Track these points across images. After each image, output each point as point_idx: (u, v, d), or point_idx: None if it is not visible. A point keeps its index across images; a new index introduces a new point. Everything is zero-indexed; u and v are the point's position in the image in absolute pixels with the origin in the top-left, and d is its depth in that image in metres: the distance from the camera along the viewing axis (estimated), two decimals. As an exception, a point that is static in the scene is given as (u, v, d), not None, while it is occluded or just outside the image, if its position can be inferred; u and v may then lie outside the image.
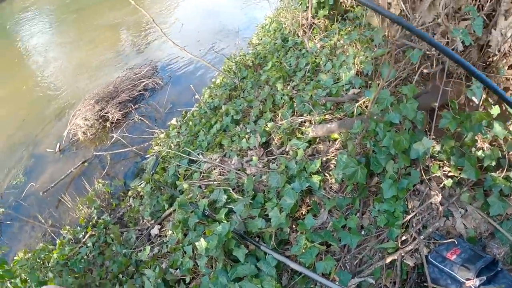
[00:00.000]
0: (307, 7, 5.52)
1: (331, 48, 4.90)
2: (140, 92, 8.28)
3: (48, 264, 4.27)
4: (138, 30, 11.98)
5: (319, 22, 5.57)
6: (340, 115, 3.77)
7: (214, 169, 4.17)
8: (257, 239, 3.00)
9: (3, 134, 9.13)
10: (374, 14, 3.86)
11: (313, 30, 5.54)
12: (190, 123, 5.92)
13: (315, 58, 4.92)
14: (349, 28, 5.12)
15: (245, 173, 3.81)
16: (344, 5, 5.41)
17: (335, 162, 3.27)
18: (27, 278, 3.71)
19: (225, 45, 8.72)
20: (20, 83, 11.78)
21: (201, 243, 2.85)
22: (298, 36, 5.83)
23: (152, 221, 4.34)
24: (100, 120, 7.75)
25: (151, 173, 5.16)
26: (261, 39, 7.25)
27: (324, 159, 3.38)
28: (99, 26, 13.20)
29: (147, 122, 7.25)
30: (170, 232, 3.83)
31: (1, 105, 10.69)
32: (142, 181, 5.13)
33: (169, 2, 13.37)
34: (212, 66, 6.20)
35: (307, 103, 4.11)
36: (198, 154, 4.59)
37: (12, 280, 3.68)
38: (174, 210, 4.03)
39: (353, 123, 3.15)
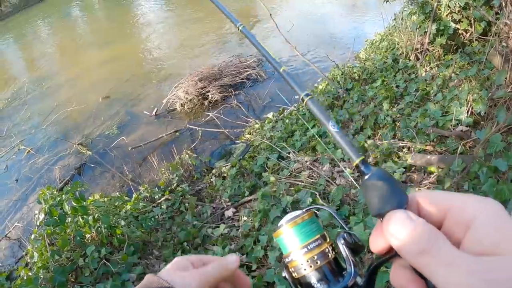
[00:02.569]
0: (424, 32, 5.21)
1: (444, 79, 4.57)
2: (243, 80, 8.33)
3: (120, 212, 4.35)
4: (246, 21, 12.16)
5: (434, 50, 5.26)
6: (441, 149, 3.57)
7: (304, 170, 4.09)
8: None
9: (107, 87, 9.74)
10: (497, 53, 3.55)
11: (426, 56, 5.21)
12: (287, 121, 5.86)
13: (426, 86, 4.63)
14: (463, 62, 4.76)
15: (335, 182, 3.71)
16: (463, 37, 5.03)
17: None
18: (99, 219, 3.79)
19: (331, 54, 8.53)
20: (130, 47, 12.57)
21: None
22: (410, 60, 5.54)
23: (229, 203, 4.31)
24: (199, 97, 7.90)
25: (239, 158, 5.14)
26: (370, 55, 7.05)
27: (417, 189, 3.17)
28: (210, 11, 13.62)
29: (243, 109, 7.26)
30: (245, 218, 3.80)
31: (111, 62, 11.44)
32: (228, 164, 5.14)
33: (281, 1, 13.47)
34: (319, 71, 6.05)
35: (411, 129, 3.88)
36: (289, 153, 4.51)
37: (85, 217, 3.77)
38: (254, 199, 4.03)
39: (454, 161, 3.00)
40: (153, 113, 7.99)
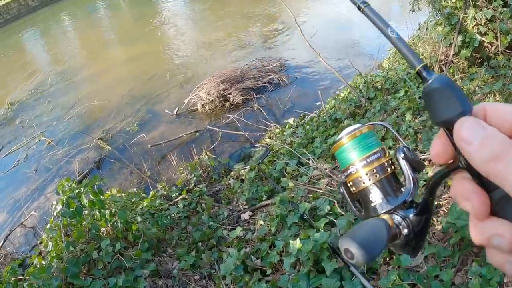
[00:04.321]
0: (450, 44, 5.10)
1: (468, 92, 4.47)
2: (265, 84, 8.30)
3: (136, 209, 4.35)
4: (270, 26, 12.17)
5: (458, 62, 5.15)
6: None
7: (323, 178, 4.04)
8: None
9: (130, 84, 9.83)
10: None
11: (450, 68, 5.11)
12: (308, 127, 5.81)
13: None
14: (487, 76, 4.65)
15: None
16: (488, 50, 4.92)
17: (445, 210, 2.98)
18: (116, 214, 3.78)
19: (353, 62, 8.46)
20: (154, 46, 12.70)
21: (296, 243, 2.79)
22: (434, 71, 5.42)
23: (246, 206, 4.27)
24: (221, 99, 7.90)
25: (258, 162, 5.11)
26: (393, 65, 6.97)
27: (436, 203, 3.09)
28: (235, 14, 13.71)
29: (264, 113, 7.23)
30: (261, 222, 3.75)
31: (135, 60, 11.56)
32: (247, 167, 5.12)
33: (305, 7, 13.41)
34: (342, 78, 5.98)
35: (434, 142, 3.78)
36: (308, 159, 4.45)
37: (102, 210, 3.77)
38: (271, 204, 3.98)
39: None
40: (174, 112, 8.02)
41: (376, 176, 0.55)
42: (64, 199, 3.64)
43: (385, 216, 0.53)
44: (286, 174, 4.44)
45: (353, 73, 6.82)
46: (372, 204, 0.55)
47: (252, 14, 13.24)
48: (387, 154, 0.58)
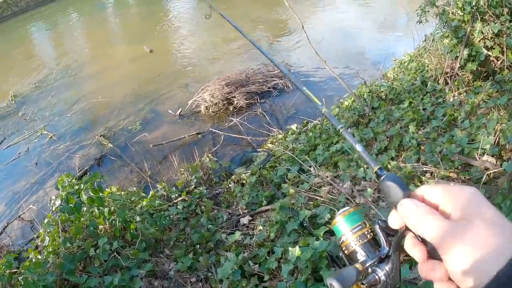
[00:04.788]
0: (456, 57, 5.10)
1: (473, 106, 4.46)
2: (269, 89, 8.30)
3: (135, 208, 4.33)
4: (277, 31, 12.23)
5: (464, 75, 5.16)
6: (465, 177, 3.49)
7: (324, 186, 4.06)
8: None
9: (134, 83, 9.85)
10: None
11: (455, 81, 5.11)
12: (311, 134, 5.81)
13: (454, 112, 4.52)
14: (492, 90, 4.64)
15: (354, 201, 3.65)
16: (494, 64, 4.92)
17: None
18: (115, 212, 3.77)
19: (358, 70, 8.47)
20: (160, 46, 12.72)
21: (295, 251, 2.79)
22: (439, 83, 5.44)
23: (246, 211, 4.26)
24: (224, 102, 7.90)
25: (260, 167, 5.10)
26: (398, 75, 6.97)
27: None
28: (243, 18, 13.69)
29: (268, 118, 7.22)
30: (260, 227, 3.74)
31: (140, 59, 11.58)
32: (248, 171, 5.12)
33: (313, 14, 13.45)
34: (347, 87, 5.97)
35: (436, 155, 3.79)
36: (310, 166, 4.45)
37: (100, 208, 3.75)
38: (271, 209, 3.97)
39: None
40: (178, 113, 8.02)
41: (360, 241, 0.76)
42: (63, 194, 3.62)
43: (357, 265, 0.74)
44: (287, 180, 4.45)
45: (358, 81, 6.81)
46: (360, 261, 0.75)
47: (260, 19, 13.28)
48: (368, 225, 0.79)
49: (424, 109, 4.92)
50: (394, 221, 0.65)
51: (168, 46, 12.79)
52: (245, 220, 4.08)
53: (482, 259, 0.51)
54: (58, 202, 3.65)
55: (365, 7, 14.05)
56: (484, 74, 5.05)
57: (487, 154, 3.67)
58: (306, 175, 4.33)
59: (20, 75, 12.14)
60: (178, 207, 4.49)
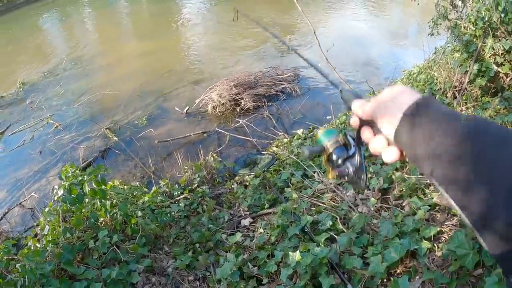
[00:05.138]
0: (466, 71, 5.08)
1: None
2: (277, 93, 8.29)
3: (137, 202, 4.32)
4: (288, 35, 12.23)
5: (472, 90, 5.14)
6: None
7: (327, 192, 4.03)
8: (345, 275, 2.83)
9: (142, 78, 9.86)
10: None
11: (464, 95, 5.08)
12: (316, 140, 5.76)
13: None
14: (500, 107, 4.62)
15: (357, 209, 3.63)
16: (503, 81, 4.91)
17: (446, 237, 2.99)
18: (117, 206, 3.76)
19: (368, 80, 8.46)
20: (170, 43, 12.76)
21: (295, 255, 2.79)
22: (447, 97, 5.42)
23: (247, 212, 4.25)
24: (232, 103, 7.89)
25: (264, 169, 5.08)
26: (407, 86, 6.88)
27: (438, 229, 3.06)
28: (254, 18, 13.68)
29: (274, 121, 7.22)
30: (261, 230, 3.72)
31: (150, 55, 11.60)
32: (252, 173, 5.10)
33: (324, 20, 13.44)
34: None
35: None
36: (314, 172, 4.43)
37: (102, 201, 3.75)
38: (273, 213, 3.97)
39: None
40: (184, 111, 8.01)
41: (334, 145, 0.96)
42: (66, 184, 3.62)
43: (327, 146, 0.97)
44: (291, 185, 4.44)
45: (366, 90, 6.78)
46: (333, 160, 0.96)
47: (271, 22, 13.27)
48: (340, 136, 0.98)
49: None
50: (354, 120, 0.86)
51: (179, 43, 12.82)
52: (246, 221, 4.07)
53: (393, 114, 0.73)
54: (60, 192, 3.65)
55: (377, 16, 14.07)
56: (493, 90, 5.03)
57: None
58: (310, 181, 4.31)
59: (29, 63, 12.19)
60: (180, 204, 4.49)
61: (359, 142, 0.90)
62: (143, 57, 11.55)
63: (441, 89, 5.71)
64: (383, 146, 0.77)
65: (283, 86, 8.44)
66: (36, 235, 4.25)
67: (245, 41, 11.88)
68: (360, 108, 0.82)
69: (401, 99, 0.73)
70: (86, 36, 15.01)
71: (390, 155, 0.76)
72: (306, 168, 4.58)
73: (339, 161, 0.94)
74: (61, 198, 3.58)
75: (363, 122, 0.83)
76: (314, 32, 5.61)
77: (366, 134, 0.82)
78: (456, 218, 3.16)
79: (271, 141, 6.56)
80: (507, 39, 4.62)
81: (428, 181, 3.74)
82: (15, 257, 3.56)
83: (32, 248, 3.57)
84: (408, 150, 0.71)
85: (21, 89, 10.25)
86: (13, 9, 19.44)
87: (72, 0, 19.99)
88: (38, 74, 11.12)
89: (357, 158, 0.93)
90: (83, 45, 13.43)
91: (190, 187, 4.98)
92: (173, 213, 4.32)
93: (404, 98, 0.73)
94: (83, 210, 3.76)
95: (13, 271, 3.32)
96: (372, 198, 3.73)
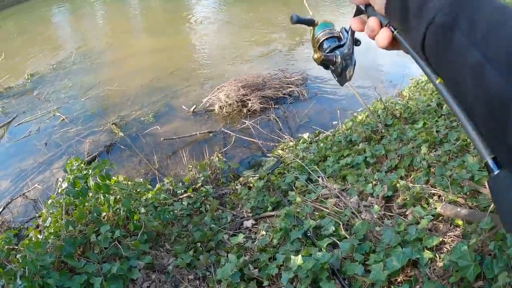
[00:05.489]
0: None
1: None
2: (284, 96, 8.28)
3: (141, 199, 4.32)
4: (297, 38, 12.23)
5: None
6: (473, 203, 3.40)
7: (331, 198, 4.02)
8: (345, 282, 2.83)
9: (151, 75, 9.90)
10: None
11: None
12: (322, 144, 5.77)
13: (467, 137, 4.45)
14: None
15: (360, 216, 3.62)
16: None
17: (449, 247, 2.98)
18: (120, 201, 3.76)
19: (375, 86, 8.44)
20: (180, 41, 12.82)
21: (297, 259, 2.79)
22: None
23: (250, 214, 4.24)
24: (239, 103, 7.89)
25: (268, 172, 5.07)
26: (414, 94, 6.97)
27: (440, 239, 3.05)
28: (265, 22, 13.73)
29: (280, 124, 7.21)
30: (263, 232, 3.71)
31: (159, 52, 11.65)
32: (256, 175, 5.09)
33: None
34: (362, 102, 5.93)
35: (446, 178, 3.74)
36: (319, 177, 4.42)
37: (106, 195, 3.75)
38: (276, 215, 3.96)
39: (483, 218, 2.87)
40: (191, 109, 8.02)
41: (326, 36, 0.95)
42: (70, 177, 3.61)
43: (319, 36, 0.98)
44: (295, 189, 4.42)
45: (372, 97, 6.76)
46: (324, 46, 0.95)
47: (281, 24, 13.27)
48: (336, 30, 0.96)
49: (437, 132, 4.87)
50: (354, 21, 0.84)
51: (189, 41, 12.86)
52: (248, 223, 4.05)
53: None
54: (64, 185, 3.64)
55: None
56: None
57: (496, 183, 3.61)
58: (314, 185, 4.30)
59: (39, 55, 12.26)
60: (183, 203, 4.47)
61: (353, 32, 0.90)
62: (153, 53, 11.59)
63: (449, 99, 5.67)
64: (376, 28, 0.75)
65: (291, 89, 8.43)
66: (38, 226, 4.25)
67: (256, 43, 11.90)
68: None
69: None
70: (97, 30, 15.10)
71: (382, 38, 0.74)
72: (311, 172, 4.57)
73: (328, 49, 0.94)
74: (64, 190, 3.58)
75: (359, 11, 0.82)
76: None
77: (357, 21, 0.83)
78: (459, 229, 3.15)
79: (277, 144, 6.55)
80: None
81: (433, 191, 3.71)
82: (16, 247, 3.57)
83: (33, 239, 3.57)
84: (399, 19, 0.68)
85: (29, 80, 10.30)
86: (24, 1, 19.54)
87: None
88: (47, 66, 11.18)
89: (347, 46, 0.92)
90: (93, 39, 13.51)
91: (194, 186, 4.97)
92: (175, 211, 4.31)
93: None
94: (86, 204, 3.76)
95: (13, 261, 3.32)
96: (376, 206, 3.71)
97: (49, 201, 3.97)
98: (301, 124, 7.36)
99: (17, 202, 5.85)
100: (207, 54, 11.46)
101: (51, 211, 3.84)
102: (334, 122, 6.46)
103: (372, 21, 0.76)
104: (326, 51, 0.94)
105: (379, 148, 4.86)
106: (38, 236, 3.67)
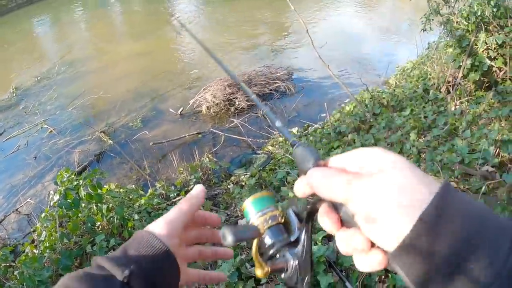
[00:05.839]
0: (459, 66, 5.11)
1: (474, 116, 4.46)
2: (271, 92, 8.30)
3: (134, 205, 4.32)
4: (280, 33, 12.28)
5: (466, 85, 5.17)
6: (464, 186, 3.46)
7: (324, 190, 4.01)
8: (343, 273, 2.83)
9: (136, 80, 9.85)
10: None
11: (457, 90, 5.10)
12: (311, 138, 5.79)
13: (455, 121, 4.51)
14: (494, 100, 4.64)
15: None
16: (496, 75, 4.94)
17: None
18: (113, 209, 3.76)
19: (360, 76, 8.48)
20: (164, 44, 12.81)
21: None
22: (441, 92, 5.44)
23: (244, 212, 4.23)
24: (226, 102, 7.89)
25: (259, 169, 5.08)
26: (400, 82, 7.01)
27: None
28: (247, 19, 13.76)
29: (269, 120, 7.21)
30: (258, 229, 3.70)
31: (143, 56, 11.62)
32: (248, 173, 5.11)
33: (317, 17, 13.43)
34: (349, 92, 5.96)
35: (436, 163, 3.78)
36: (309, 170, 4.44)
37: (99, 204, 3.75)
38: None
39: (476, 200, 2.85)
40: (179, 112, 8.01)
41: (268, 222, 0.65)
42: (62, 189, 3.61)
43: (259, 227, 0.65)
44: (287, 184, 4.43)
45: (360, 87, 6.80)
46: (266, 245, 0.65)
47: (263, 20, 13.30)
48: (279, 210, 0.68)
49: (425, 117, 4.91)
50: (300, 187, 0.56)
51: (171, 44, 12.79)
52: (243, 221, 4.07)
53: (399, 199, 0.44)
54: (56, 197, 3.64)
55: (370, 12, 14.11)
56: (487, 84, 5.06)
57: (487, 165, 3.67)
58: (305, 179, 4.32)
59: (22, 67, 12.18)
60: (176, 206, 4.48)
61: (308, 224, 0.62)
62: (137, 58, 11.54)
63: (434, 84, 5.73)
64: (361, 248, 0.49)
65: (277, 84, 8.44)
66: (33, 241, 4.24)
67: (239, 41, 11.89)
68: (323, 180, 0.52)
69: (397, 182, 0.46)
70: (79, 38, 14.98)
71: (373, 263, 0.49)
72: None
73: (274, 249, 0.64)
74: (57, 203, 3.57)
75: (323, 200, 0.55)
76: (307, 30, 5.61)
77: (327, 220, 0.54)
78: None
79: (266, 140, 6.56)
80: (500, 33, 4.65)
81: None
82: (13, 264, 3.56)
83: (29, 254, 3.57)
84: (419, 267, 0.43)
85: (14, 94, 10.22)
86: (5, 13, 19.34)
87: (65, 2, 19.91)
88: (31, 79, 11.09)
89: (302, 247, 0.62)
90: (76, 48, 13.41)
91: (186, 189, 4.97)
92: (170, 215, 4.30)
93: (403, 182, 0.46)
94: (80, 215, 3.76)
95: (11, 278, 3.32)
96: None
97: (43, 215, 3.96)
98: (290, 118, 7.37)
99: (10, 218, 5.82)
100: (192, 54, 11.42)
101: (45, 225, 3.84)
102: (322, 115, 6.49)
103: (357, 240, 0.50)
104: (271, 254, 0.64)
105: (368, 138, 4.90)
106: (34, 251, 3.67)
